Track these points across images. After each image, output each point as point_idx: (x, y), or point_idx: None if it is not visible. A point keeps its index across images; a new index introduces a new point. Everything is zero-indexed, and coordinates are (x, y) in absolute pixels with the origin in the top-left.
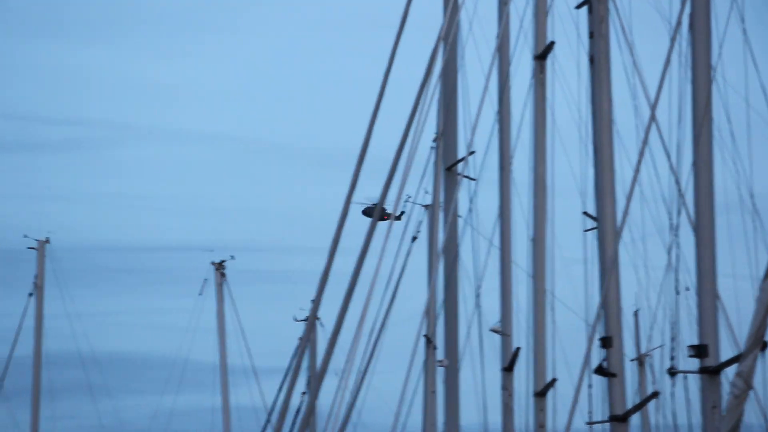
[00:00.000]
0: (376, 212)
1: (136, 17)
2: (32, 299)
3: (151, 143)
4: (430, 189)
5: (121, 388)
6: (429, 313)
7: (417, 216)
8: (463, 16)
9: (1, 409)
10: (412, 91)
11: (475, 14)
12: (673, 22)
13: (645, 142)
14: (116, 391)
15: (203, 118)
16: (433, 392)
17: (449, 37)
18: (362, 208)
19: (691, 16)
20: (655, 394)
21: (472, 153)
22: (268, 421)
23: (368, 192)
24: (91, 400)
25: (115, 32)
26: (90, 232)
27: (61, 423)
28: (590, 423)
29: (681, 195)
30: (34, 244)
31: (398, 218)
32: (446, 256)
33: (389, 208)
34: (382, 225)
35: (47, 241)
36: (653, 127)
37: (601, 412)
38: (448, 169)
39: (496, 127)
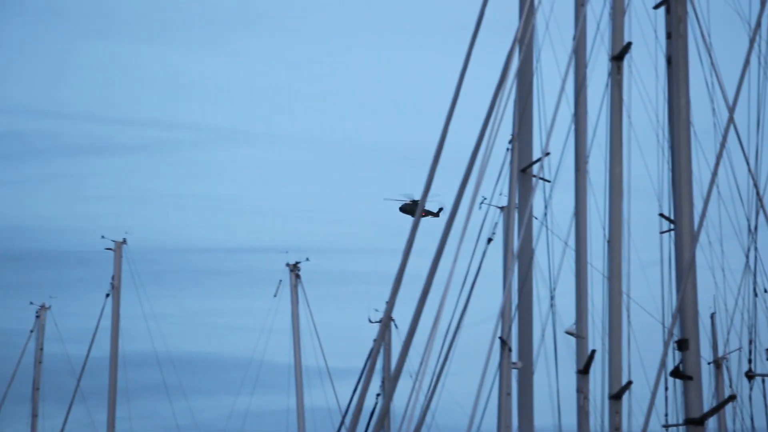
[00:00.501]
0: (408, 208)
1: (201, 18)
2: (109, 300)
3: (226, 146)
4: (505, 191)
5: (197, 389)
6: (504, 314)
7: (492, 218)
8: (539, 17)
9: (78, 410)
10: (488, 92)
11: (552, 15)
12: (753, 22)
13: (723, 144)
14: (192, 392)
15: (278, 121)
16: (508, 394)
17: (525, 40)
18: (399, 206)
19: None
20: (732, 398)
21: (547, 155)
22: (342, 422)
23: (441, 194)
24: (166, 401)
25: (193, 34)
26: (166, 233)
27: (137, 423)
28: (666, 426)
29: (759, 197)
30: (111, 245)
31: (437, 215)
32: (521, 257)
33: (428, 205)
34: (457, 226)
35: (124, 242)
36: (731, 129)
37: (676, 415)
38: (523, 170)
39: (572, 128)
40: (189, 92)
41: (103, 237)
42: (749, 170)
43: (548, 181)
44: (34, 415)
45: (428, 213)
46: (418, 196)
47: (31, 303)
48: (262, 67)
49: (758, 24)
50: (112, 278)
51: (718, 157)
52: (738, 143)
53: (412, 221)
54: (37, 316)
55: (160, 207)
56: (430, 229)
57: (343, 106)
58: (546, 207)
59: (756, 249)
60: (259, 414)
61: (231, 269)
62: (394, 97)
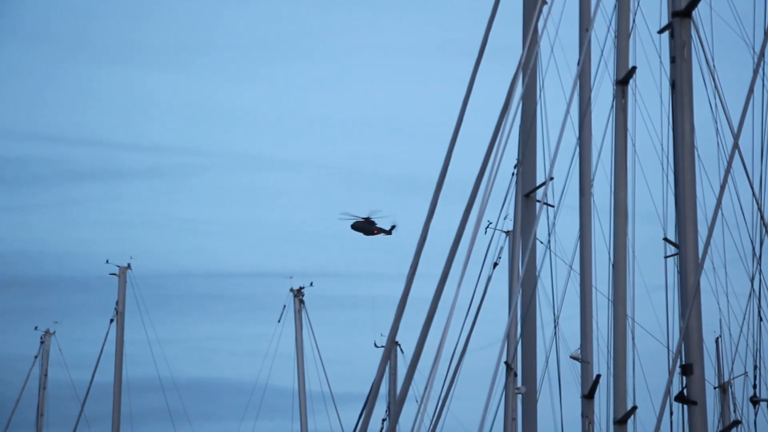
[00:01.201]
0: (362, 225)
1: (213, 45)
2: (113, 325)
3: (230, 170)
4: (511, 215)
5: (201, 414)
6: (509, 339)
7: (498, 242)
8: (544, 42)
9: None
10: (493, 117)
11: (557, 40)
12: (757, 50)
13: (728, 171)
14: (196, 417)
15: (286, 147)
16: (514, 419)
17: (528, 66)
18: (350, 223)
19: None
20: (736, 423)
21: (551, 179)
22: None
23: (392, 213)
24: (171, 426)
25: (195, 60)
26: (171, 258)
27: None
28: None
29: (764, 223)
30: (116, 270)
31: (389, 233)
32: (525, 282)
33: (379, 222)
34: (462, 251)
35: (128, 267)
36: (734, 156)
37: None
38: (527, 195)
39: (577, 153)
40: (198, 118)
41: (107, 262)
42: (753, 196)
43: (552, 206)
44: (41, 414)
45: (381, 230)
46: (367, 215)
47: (36, 328)
48: (271, 94)
49: (762, 54)
50: (117, 303)
51: (723, 183)
52: (743, 169)
53: (416, 247)
54: (42, 342)
55: (165, 232)
56: (436, 253)
57: (350, 132)
58: (550, 231)
59: (761, 274)
60: None
61: (236, 294)
62: (401, 122)
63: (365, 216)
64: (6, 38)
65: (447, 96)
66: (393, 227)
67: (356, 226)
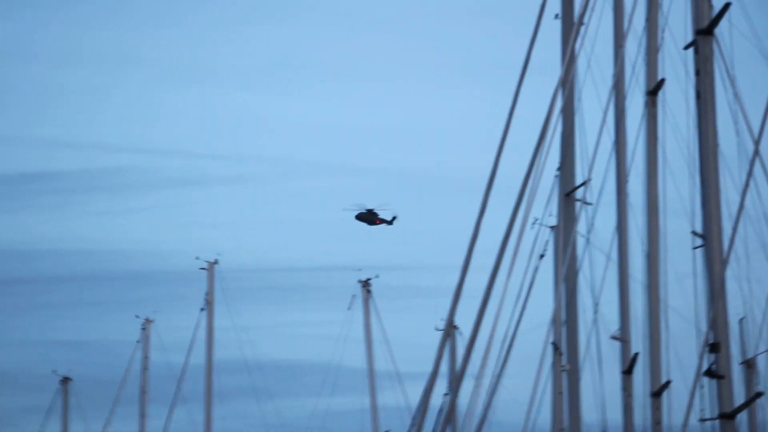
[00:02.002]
0: (366, 216)
1: (292, 65)
2: (204, 314)
3: (303, 177)
4: (554, 212)
5: (282, 392)
6: (555, 322)
7: (543, 236)
8: (581, 58)
9: (180, 411)
10: (536, 125)
11: (593, 55)
12: None
13: (750, 173)
14: (278, 394)
15: (348, 154)
16: (560, 393)
17: (567, 81)
18: (355, 214)
19: None
20: (759, 394)
21: (588, 181)
22: (415, 418)
23: (391, 204)
24: (256, 402)
25: (274, 78)
26: (252, 254)
27: (231, 423)
28: (702, 420)
29: None
30: (205, 266)
31: (390, 223)
32: (568, 272)
33: (381, 213)
34: (511, 244)
35: (216, 262)
36: (755, 163)
37: (711, 410)
38: (567, 195)
39: (613, 156)
40: (271, 130)
41: (197, 258)
42: None
43: (590, 204)
44: (142, 416)
45: (383, 221)
46: (370, 206)
47: (137, 317)
48: (332, 107)
49: None
50: (206, 294)
51: (746, 185)
52: (762, 170)
53: (469, 239)
54: (143, 329)
55: (247, 231)
56: (488, 246)
57: (406, 140)
58: (590, 225)
59: None
60: (337, 413)
61: (310, 285)
62: (454, 131)
63: (369, 208)
64: (104, 64)
65: (499, 107)
66: (394, 218)
67: (360, 217)
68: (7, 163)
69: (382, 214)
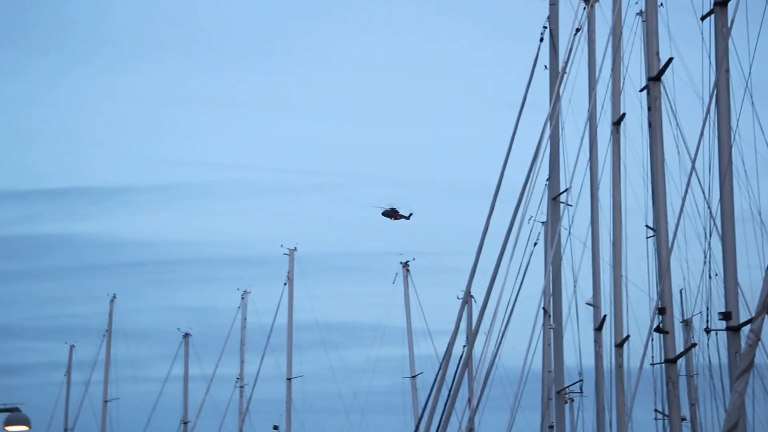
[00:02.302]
0: (390, 213)
1: (350, 103)
2: (286, 287)
3: (355, 186)
4: (545, 212)
5: (344, 344)
6: (545, 293)
7: (537, 229)
8: (564, 97)
9: (268, 358)
10: (531, 146)
11: (573, 93)
12: (705, 104)
13: (688, 184)
14: (340, 346)
15: (395, 168)
16: (549, 345)
17: (553, 116)
18: (381, 211)
19: (717, 99)
20: (694, 345)
21: (568, 189)
22: (441, 364)
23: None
24: (324, 352)
25: (346, 111)
26: (322, 243)
27: (306, 367)
28: (652, 364)
29: (712, 216)
30: (287, 252)
31: (408, 218)
32: (554, 256)
33: (401, 210)
34: (513, 235)
35: (295, 249)
36: (692, 176)
37: (660, 357)
38: (554, 199)
39: (587, 170)
40: (335, 151)
41: (281, 246)
42: (705, 199)
43: (570, 206)
44: (242, 361)
45: (401, 216)
46: (395, 206)
47: (238, 289)
48: (377, 134)
49: (708, 110)
50: (288, 273)
51: (685, 191)
52: (697, 180)
53: (482, 231)
54: (242, 298)
55: (318, 226)
56: (496, 237)
57: (430, 157)
58: (570, 222)
59: (710, 248)
60: (384, 359)
61: (364, 266)
62: (466, 150)
63: (392, 206)
64: (219, 105)
65: (499, 132)
66: (411, 214)
67: (385, 213)
68: (153, 177)
69: (401, 212)
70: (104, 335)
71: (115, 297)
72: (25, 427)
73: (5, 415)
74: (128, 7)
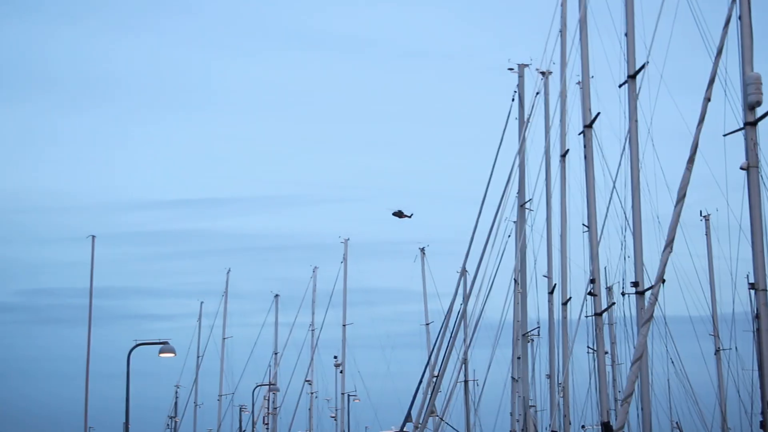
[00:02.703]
0: (397, 213)
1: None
2: (342, 265)
3: (396, 197)
4: (516, 214)
5: (379, 302)
6: (515, 269)
7: (510, 226)
8: (529, 138)
9: (330, 313)
10: (508, 168)
11: (535, 133)
12: (622, 143)
13: (611, 196)
14: (376, 304)
15: (419, 186)
16: (518, 303)
17: (522, 150)
18: (391, 213)
19: (630, 140)
20: (613, 303)
21: (530, 200)
22: (446, 317)
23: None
24: (367, 309)
25: (389, 147)
26: (366, 235)
27: (355, 318)
28: (587, 316)
29: (626, 217)
30: (343, 240)
31: (410, 217)
32: (522, 244)
33: (405, 212)
34: (494, 230)
35: (348, 239)
36: (614, 192)
37: (591, 311)
38: (521, 206)
39: (544, 188)
40: (375, 172)
41: (339, 237)
42: (623, 210)
43: (532, 210)
44: (313, 313)
45: (405, 216)
46: (401, 208)
47: (311, 265)
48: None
49: (624, 148)
50: (343, 257)
51: (609, 202)
52: (617, 195)
53: (474, 226)
54: (313, 271)
55: (363, 224)
56: (484, 230)
57: (441, 178)
58: (532, 221)
59: (625, 239)
60: (406, 313)
61: (394, 250)
62: (457, 171)
63: (399, 209)
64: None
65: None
66: (411, 214)
67: (393, 214)
68: (256, 190)
69: (405, 212)
70: (222, 295)
71: (230, 270)
72: (172, 354)
73: (159, 346)
74: None
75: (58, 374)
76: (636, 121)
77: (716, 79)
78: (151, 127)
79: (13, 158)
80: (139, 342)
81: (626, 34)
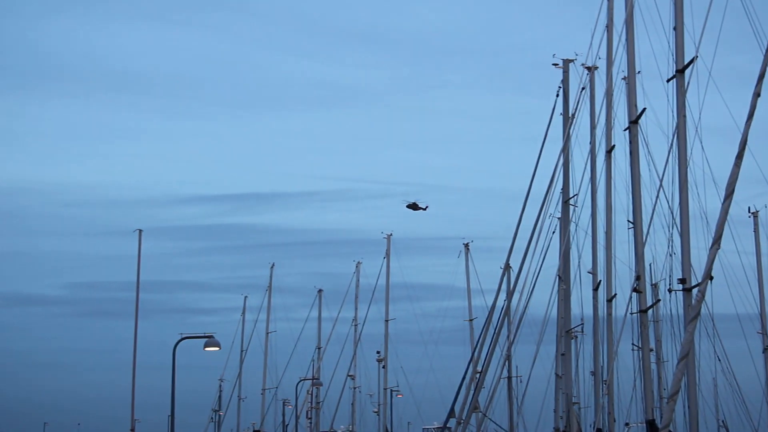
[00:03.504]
0: (412, 206)
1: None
2: (384, 260)
3: (443, 193)
4: (560, 210)
5: (423, 298)
6: (561, 265)
7: (554, 222)
8: (573, 134)
9: (373, 308)
10: (552, 164)
11: (579, 131)
12: (669, 140)
13: (658, 192)
14: (421, 299)
15: (462, 181)
16: (562, 300)
17: (566, 147)
18: (405, 204)
19: (678, 136)
20: (658, 300)
21: (575, 195)
22: (490, 313)
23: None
24: (410, 303)
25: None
26: (410, 231)
27: (398, 313)
28: (631, 313)
29: (673, 215)
30: (386, 236)
31: (425, 209)
32: (566, 239)
33: (420, 204)
34: (539, 226)
35: (391, 234)
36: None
37: (636, 308)
38: (565, 202)
39: (589, 184)
40: (422, 170)
41: (382, 233)
42: (669, 207)
43: (576, 206)
44: (356, 308)
45: (420, 208)
46: (414, 200)
47: (353, 260)
48: (454, 158)
49: (671, 144)
50: (386, 252)
51: (656, 199)
52: (663, 191)
53: (517, 222)
54: (356, 267)
55: (406, 220)
56: (528, 226)
57: (488, 175)
58: (577, 218)
59: (672, 237)
60: (450, 309)
61: (439, 246)
62: (511, 169)
63: (414, 201)
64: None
65: (528, 155)
66: (426, 207)
67: (408, 206)
68: (300, 186)
69: (420, 204)
70: (266, 289)
71: (273, 264)
72: (217, 348)
73: (204, 340)
74: None
75: (105, 366)
76: (684, 116)
77: (766, 73)
78: (198, 123)
79: (61, 153)
80: (184, 336)
81: (675, 28)
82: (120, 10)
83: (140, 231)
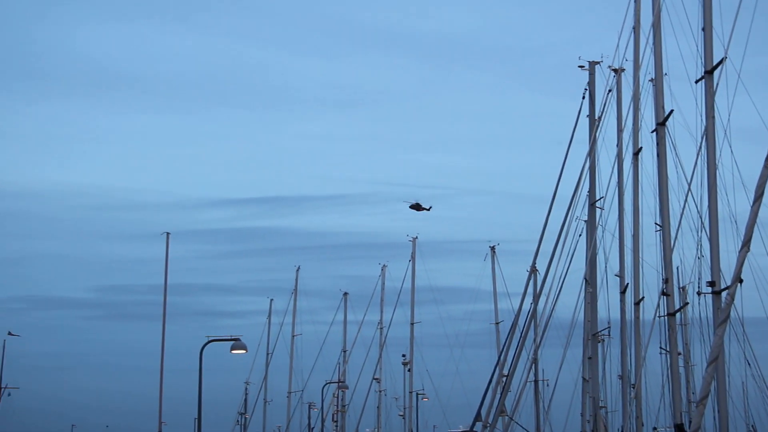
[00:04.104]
0: (415, 206)
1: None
2: (410, 263)
3: (468, 196)
4: (586, 213)
5: (448, 300)
6: (587, 268)
7: (581, 225)
8: (600, 137)
9: (399, 311)
10: (578, 167)
11: (606, 132)
12: (697, 142)
13: (687, 195)
14: (446, 302)
15: (486, 185)
16: (588, 303)
17: (592, 151)
18: (408, 205)
19: (707, 138)
20: (687, 303)
21: (602, 198)
22: (516, 316)
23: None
24: (435, 307)
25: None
26: (435, 234)
27: (424, 316)
28: (660, 316)
29: (701, 220)
30: (411, 239)
31: (428, 209)
32: (593, 242)
33: (423, 204)
34: (566, 228)
35: (416, 237)
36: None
37: (664, 311)
38: (592, 204)
39: (616, 187)
40: (448, 173)
41: (407, 235)
42: (697, 210)
43: (602, 209)
44: (381, 311)
45: (423, 208)
46: (417, 200)
47: (379, 264)
48: (479, 160)
49: (700, 146)
50: (411, 253)
51: (684, 205)
52: (691, 194)
53: (543, 224)
54: (382, 270)
55: (431, 224)
56: (554, 230)
57: (512, 179)
58: (604, 221)
59: (700, 239)
60: (476, 312)
61: (465, 249)
62: (535, 172)
63: (416, 201)
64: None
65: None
66: (430, 207)
67: (411, 206)
68: (326, 190)
69: (423, 205)
70: (292, 292)
71: (299, 268)
72: (243, 351)
73: (230, 343)
74: None
75: (132, 368)
76: (713, 118)
77: None
78: (224, 126)
79: (89, 157)
80: (211, 338)
81: (703, 29)
82: (123, 12)
83: (168, 234)
